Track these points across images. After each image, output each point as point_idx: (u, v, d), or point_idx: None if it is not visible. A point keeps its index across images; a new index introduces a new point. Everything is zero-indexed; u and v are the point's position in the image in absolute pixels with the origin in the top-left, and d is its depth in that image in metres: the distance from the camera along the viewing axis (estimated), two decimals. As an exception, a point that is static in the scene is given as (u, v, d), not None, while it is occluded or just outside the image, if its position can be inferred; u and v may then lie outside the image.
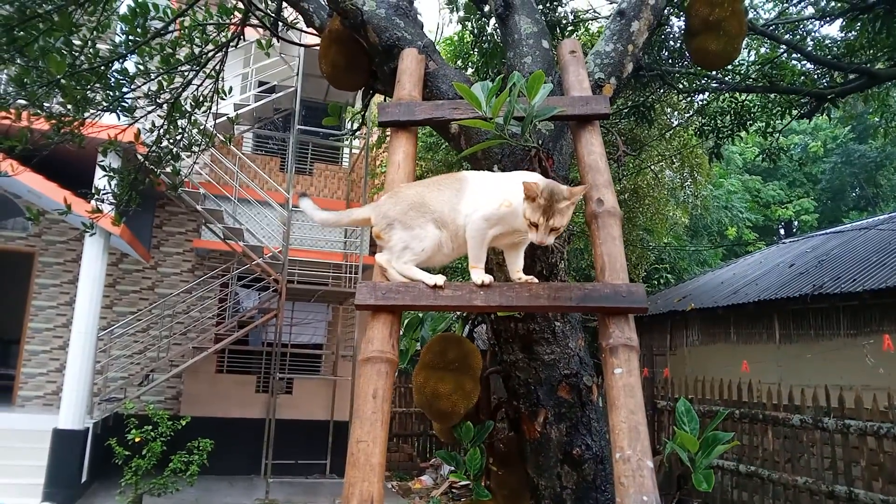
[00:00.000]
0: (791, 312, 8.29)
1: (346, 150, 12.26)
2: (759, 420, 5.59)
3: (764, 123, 7.03)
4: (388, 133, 1.87)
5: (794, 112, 6.43)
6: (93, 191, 4.81)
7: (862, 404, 4.78)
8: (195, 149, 4.86)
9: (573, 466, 1.72)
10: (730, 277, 11.17)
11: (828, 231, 12.53)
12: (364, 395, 1.29)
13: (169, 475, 7.86)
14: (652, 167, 11.97)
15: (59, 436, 8.06)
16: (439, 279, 1.43)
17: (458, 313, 2.09)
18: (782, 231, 24.76)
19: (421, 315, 2.21)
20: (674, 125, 10.76)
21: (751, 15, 7.60)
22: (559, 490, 1.72)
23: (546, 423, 1.76)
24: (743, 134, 7.12)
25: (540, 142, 1.79)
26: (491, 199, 1.46)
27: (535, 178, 1.42)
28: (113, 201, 5.09)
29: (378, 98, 2.47)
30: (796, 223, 23.55)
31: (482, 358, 1.87)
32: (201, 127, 4.96)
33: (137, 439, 7.65)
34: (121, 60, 3.82)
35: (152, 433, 7.77)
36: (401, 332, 2.01)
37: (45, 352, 10.27)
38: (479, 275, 1.43)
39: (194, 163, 5.57)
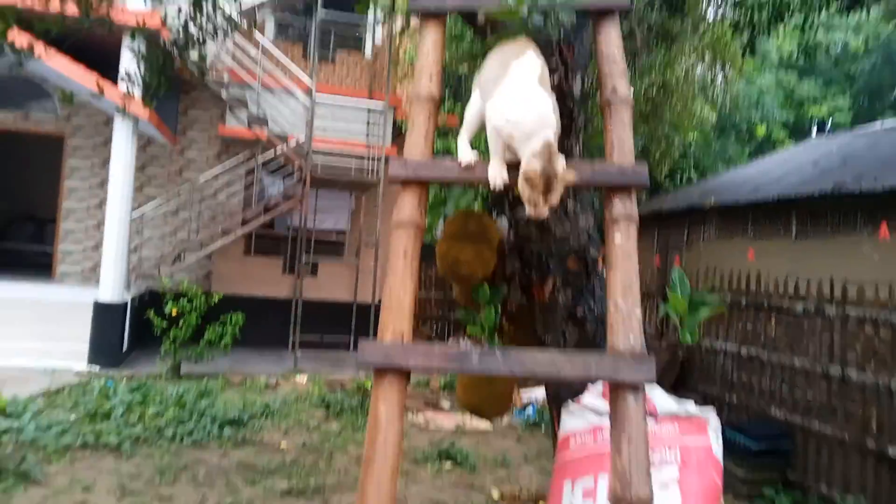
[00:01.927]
0: (809, 210, 8.35)
1: (370, 38, 12.02)
2: (763, 308, 5.84)
3: (802, 18, 6.78)
4: (413, 22, 1.95)
5: (834, 6, 6.19)
6: (123, 75, 4.94)
7: (864, 294, 4.99)
8: (220, 34, 4.92)
9: (576, 325, 1.95)
10: (752, 175, 11.13)
11: (855, 131, 12.28)
12: (396, 253, 1.49)
13: (205, 345, 8.47)
14: (682, 62, 11.63)
15: (100, 308, 8.62)
16: (471, 160, 1.58)
17: (480, 192, 2.26)
18: (815, 130, 24.14)
19: (444, 193, 2.39)
20: (707, 18, 10.36)
21: None
22: (562, 344, 1.96)
23: (554, 289, 1.98)
24: (780, 28, 6.89)
25: (562, 32, 1.88)
26: (502, 115, 1.48)
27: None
28: (141, 86, 5.22)
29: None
30: (829, 123, 22.89)
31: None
32: (226, 12, 4.99)
33: (174, 312, 8.19)
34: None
35: (188, 306, 8.30)
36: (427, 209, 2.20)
37: (81, 230, 10.74)
38: (465, 152, 1.58)
39: (220, 48, 5.62)
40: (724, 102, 13.67)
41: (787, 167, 10.45)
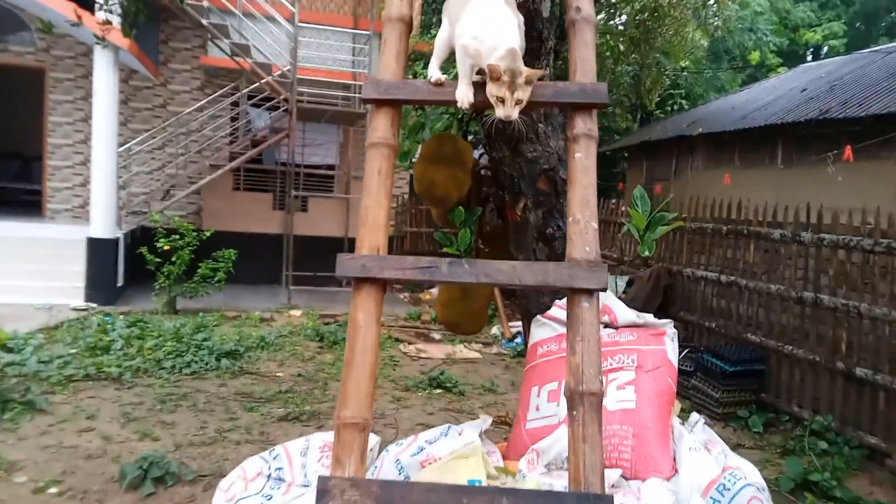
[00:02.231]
0: (795, 137, 8.40)
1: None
2: (743, 235, 5.98)
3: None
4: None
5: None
6: (101, 1, 4.84)
7: (838, 220, 5.12)
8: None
9: (546, 243, 2.06)
10: (741, 103, 11.09)
11: (845, 57, 12.16)
12: (371, 171, 1.57)
13: (198, 280, 8.59)
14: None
15: (94, 244, 8.68)
16: (441, 77, 1.64)
17: (455, 115, 2.32)
18: (809, 56, 23.79)
19: (423, 120, 2.44)
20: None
21: None
22: (534, 261, 2.07)
23: (526, 209, 2.07)
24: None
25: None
26: (469, 34, 1.55)
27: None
28: (120, 13, 5.12)
29: None
30: (824, 48, 22.55)
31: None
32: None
33: (167, 248, 8.26)
34: None
35: (180, 243, 8.38)
36: (405, 135, 2.26)
37: (68, 167, 10.69)
38: (435, 73, 1.65)
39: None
40: (716, 27, 13.41)
41: (775, 94, 10.43)
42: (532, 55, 1.97)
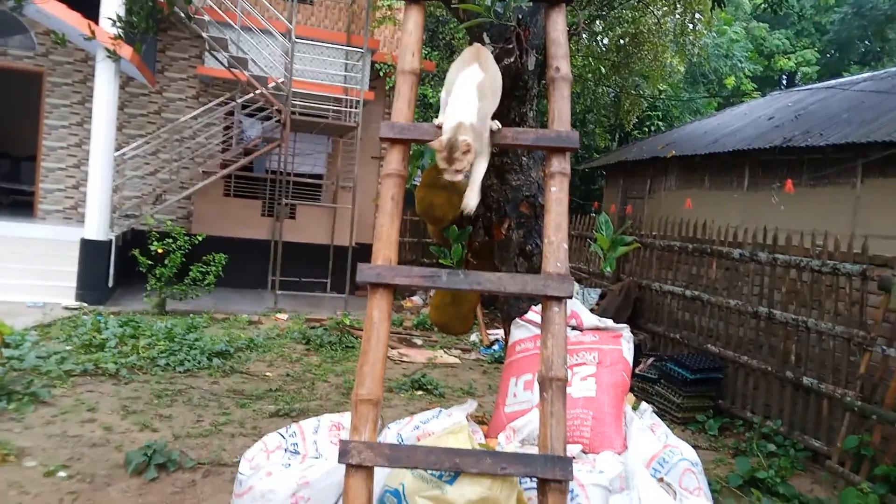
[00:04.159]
0: (761, 163, 8.93)
1: (347, -21, 12.06)
2: (706, 253, 6.44)
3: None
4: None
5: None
6: (114, 17, 5.17)
7: (791, 242, 5.59)
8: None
9: (526, 258, 2.44)
10: (713, 127, 11.65)
11: (812, 85, 12.80)
12: (385, 197, 1.94)
13: (189, 283, 8.86)
14: (654, 11, 11.93)
15: (87, 245, 8.91)
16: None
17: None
18: (784, 82, 24.64)
19: (422, 148, 2.82)
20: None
21: None
22: (515, 273, 2.45)
23: (510, 228, 2.45)
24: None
25: (519, 17, 2.29)
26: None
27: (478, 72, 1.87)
28: (127, 27, 5.45)
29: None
30: (798, 75, 23.39)
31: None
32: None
33: (160, 250, 8.53)
34: None
35: (172, 246, 8.64)
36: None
37: (61, 169, 10.89)
38: (439, 121, 2.00)
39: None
40: (694, 53, 14.02)
41: (745, 120, 10.99)
42: (519, 101, 2.36)
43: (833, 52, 23.49)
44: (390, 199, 1.92)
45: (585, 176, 16.65)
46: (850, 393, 4.85)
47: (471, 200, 1.84)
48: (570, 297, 1.81)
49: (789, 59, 21.90)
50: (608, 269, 2.15)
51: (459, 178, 1.79)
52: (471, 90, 1.83)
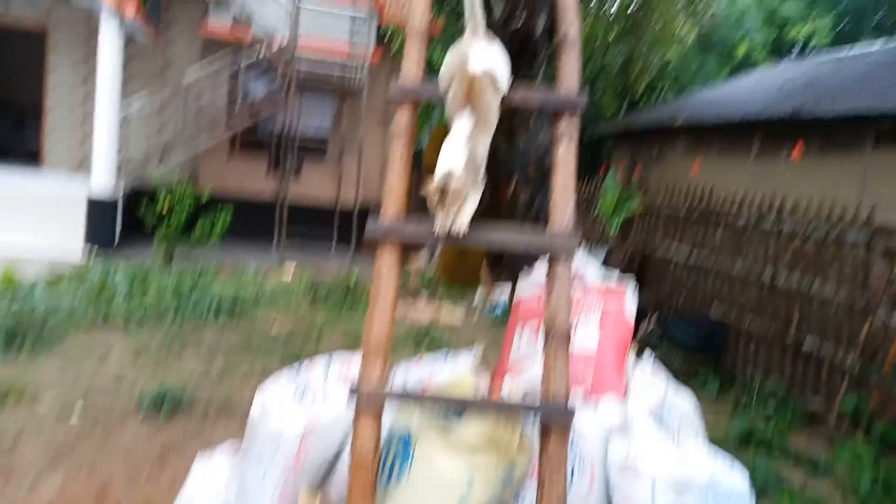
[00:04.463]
0: (771, 131, 8.88)
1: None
2: (712, 220, 6.48)
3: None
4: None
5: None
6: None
7: (796, 209, 5.62)
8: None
9: (533, 219, 2.48)
10: (723, 95, 11.55)
11: (824, 55, 12.63)
12: (394, 157, 1.98)
13: (195, 238, 8.94)
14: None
15: (94, 202, 8.98)
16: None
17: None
18: (795, 52, 24.25)
19: (432, 103, 2.83)
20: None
21: None
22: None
23: (517, 189, 2.49)
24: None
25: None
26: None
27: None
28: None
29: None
30: (811, 44, 23.00)
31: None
32: None
33: (166, 207, 8.59)
34: None
35: (178, 202, 8.71)
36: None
37: (66, 128, 10.88)
38: None
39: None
40: (705, 20, 13.80)
41: (754, 89, 10.88)
42: (528, 64, 2.38)
43: (847, 21, 23.03)
44: (399, 158, 1.96)
45: (593, 143, 16.55)
46: (849, 356, 4.94)
47: (463, 223, 1.83)
48: (575, 253, 1.87)
49: (802, 27, 21.51)
50: (613, 230, 2.18)
51: (450, 225, 1.78)
52: (460, 140, 1.82)
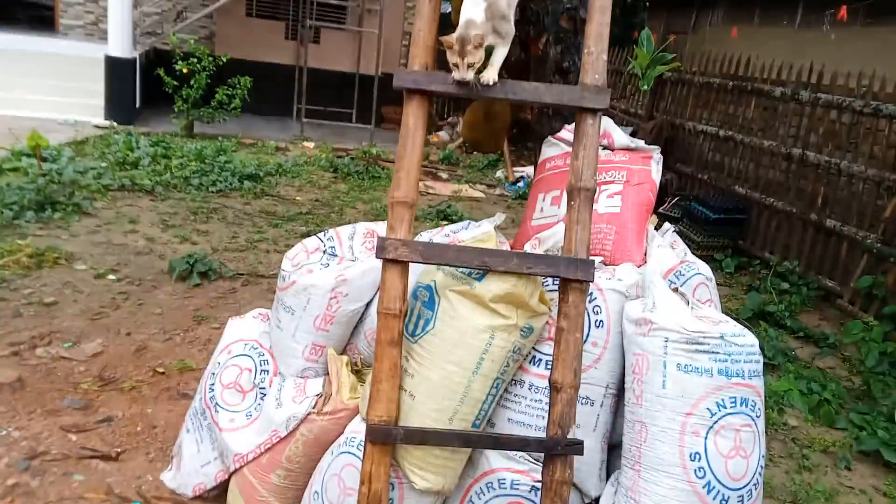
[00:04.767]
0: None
1: None
2: (746, 91, 6.22)
3: None
4: None
5: None
6: None
7: (836, 81, 5.36)
8: None
9: (562, 75, 2.40)
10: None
11: None
12: (414, 58, 1.88)
13: (215, 106, 8.84)
14: None
15: (112, 62, 8.80)
16: None
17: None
18: None
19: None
20: None
21: None
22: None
23: (547, 44, 2.39)
24: None
25: None
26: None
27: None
28: None
29: None
30: None
31: None
32: None
33: (185, 70, 8.42)
34: None
35: (198, 66, 8.52)
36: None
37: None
38: None
39: None
40: None
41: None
42: None
43: None
44: (426, 2, 1.86)
45: (626, 8, 15.63)
46: (871, 236, 4.91)
47: (490, 75, 1.77)
48: (605, 110, 1.81)
49: None
50: (645, 86, 2.10)
51: (470, 75, 1.71)
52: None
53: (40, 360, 3.19)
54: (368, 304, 2.26)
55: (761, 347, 1.93)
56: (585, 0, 2.30)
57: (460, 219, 6.67)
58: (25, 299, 3.78)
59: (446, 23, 2.56)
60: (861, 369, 4.23)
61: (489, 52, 1.85)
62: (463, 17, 1.74)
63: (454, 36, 1.72)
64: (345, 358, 2.23)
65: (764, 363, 1.88)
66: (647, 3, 13.13)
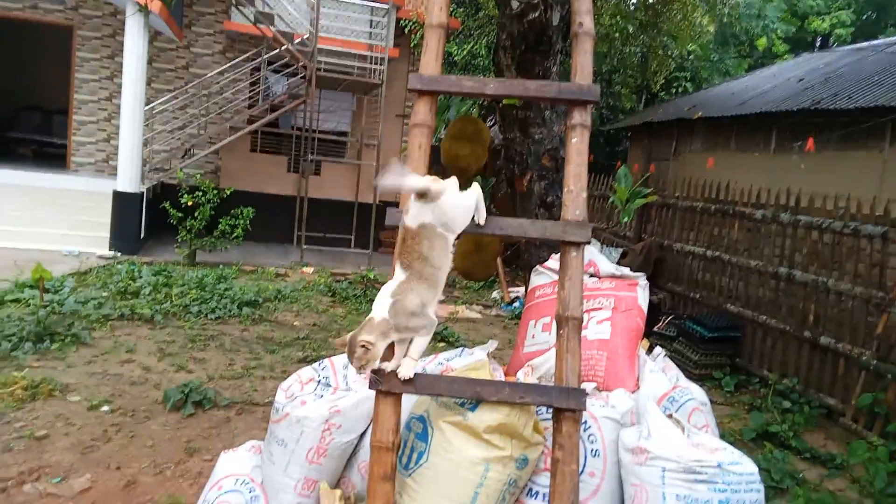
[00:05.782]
0: (789, 126, 8.82)
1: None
2: (729, 214, 6.46)
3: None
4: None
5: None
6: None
7: (813, 203, 5.60)
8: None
9: (546, 209, 2.54)
10: (741, 89, 11.45)
11: (845, 47, 12.47)
12: (413, 146, 2.05)
13: (217, 235, 9.10)
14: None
15: (119, 197, 9.16)
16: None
17: (475, 102, 2.78)
18: (817, 44, 23.88)
19: (447, 102, 2.90)
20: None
21: None
22: (535, 222, 2.56)
23: (531, 181, 2.55)
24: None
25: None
26: None
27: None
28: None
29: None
30: (833, 37, 22.65)
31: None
32: None
33: (190, 203, 8.75)
34: None
35: (202, 198, 8.86)
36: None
37: (93, 122, 11.11)
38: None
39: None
40: (724, 13, 13.63)
41: (774, 82, 10.79)
42: (543, 56, 2.43)
43: (869, 14, 22.66)
44: (418, 147, 2.03)
45: (610, 137, 16.49)
46: (866, 352, 4.93)
47: (405, 371, 1.81)
48: (588, 243, 1.92)
49: (824, 20, 21.21)
50: (626, 218, 2.22)
51: (363, 374, 1.76)
52: (385, 294, 1.80)
53: (27, 496, 3.10)
54: (362, 436, 2.25)
55: (767, 471, 1.91)
56: (564, 141, 2.49)
57: (457, 341, 6.69)
58: (17, 433, 3.72)
59: (438, 158, 2.73)
60: (871, 490, 4.10)
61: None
62: (367, 318, 1.75)
63: (346, 338, 1.74)
64: (338, 492, 2.19)
65: (772, 487, 1.86)
66: (630, 133, 13.88)
